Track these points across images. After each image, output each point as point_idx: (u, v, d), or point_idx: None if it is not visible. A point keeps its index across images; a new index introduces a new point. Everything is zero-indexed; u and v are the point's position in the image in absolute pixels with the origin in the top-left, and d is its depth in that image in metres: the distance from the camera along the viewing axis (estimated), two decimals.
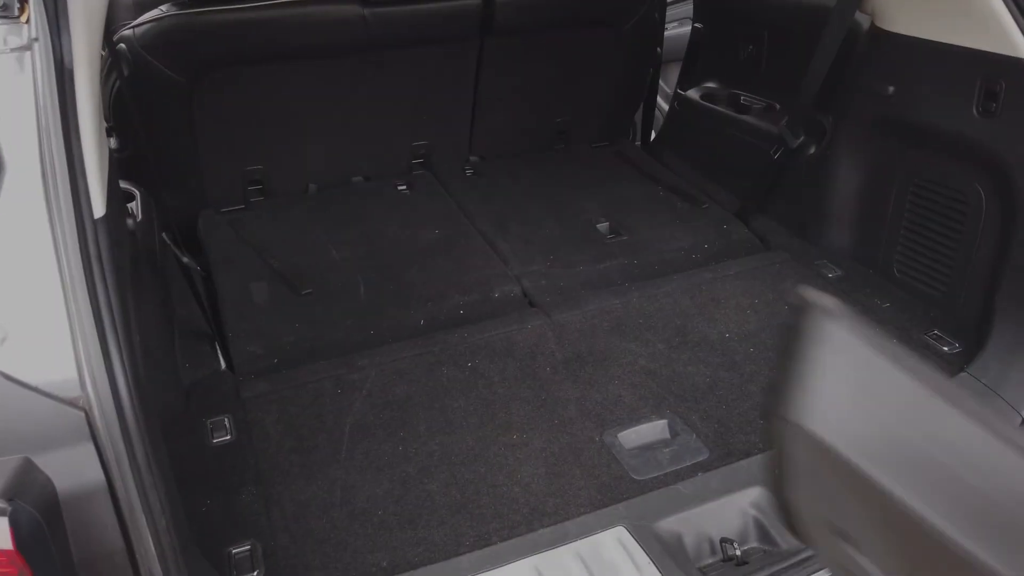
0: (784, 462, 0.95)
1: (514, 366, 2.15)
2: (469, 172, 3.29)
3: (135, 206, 2.10)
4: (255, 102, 2.84)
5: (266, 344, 2.24)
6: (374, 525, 1.70)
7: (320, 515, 1.73)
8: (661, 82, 3.76)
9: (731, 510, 1.72)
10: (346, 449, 1.89)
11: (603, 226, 2.87)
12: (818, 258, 2.62)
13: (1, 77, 1.33)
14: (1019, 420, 1.97)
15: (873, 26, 2.42)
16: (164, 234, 2.35)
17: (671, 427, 1.97)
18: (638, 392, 2.07)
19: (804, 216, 2.74)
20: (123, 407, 1.20)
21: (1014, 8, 1.97)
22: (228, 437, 1.92)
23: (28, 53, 1.33)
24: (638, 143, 3.73)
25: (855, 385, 0.85)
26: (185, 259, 2.41)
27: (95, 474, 1.18)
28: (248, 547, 1.64)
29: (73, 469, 1.17)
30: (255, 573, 1.60)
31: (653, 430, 1.97)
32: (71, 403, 1.18)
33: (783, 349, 0.90)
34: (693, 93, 3.34)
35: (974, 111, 2.13)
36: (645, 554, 1.60)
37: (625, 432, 1.95)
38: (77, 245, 1.21)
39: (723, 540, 1.66)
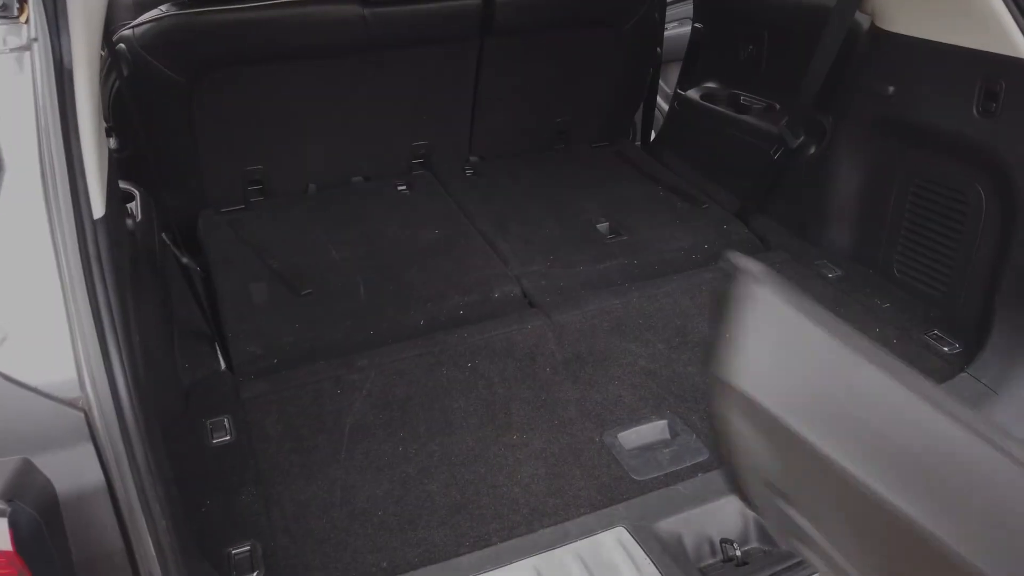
0: (722, 423, 0.99)
1: (514, 366, 2.15)
2: (469, 172, 3.29)
3: (135, 206, 2.10)
4: (255, 102, 2.84)
5: (266, 344, 2.23)
6: (374, 525, 1.70)
7: (320, 515, 1.73)
8: (661, 82, 3.76)
9: (731, 511, 1.72)
10: (346, 449, 1.89)
11: (603, 226, 2.87)
12: (818, 258, 2.61)
13: (0, 77, 1.33)
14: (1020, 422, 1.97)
15: (873, 26, 2.42)
16: (164, 234, 2.34)
17: (671, 427, 1.97)
18: (638, 392, 2.07)
19: (804, 216, 2.74)
20: (123, 408, 1.20)
21: (1014, 8, 1.97)
22: (228, 437, 1.92)
23: (27, 53, 1.33)
24: (638, 143, 3.73)
25: (780, 345, 0.89)
26: (185, 259, 2.41)
27: (95, 475, 1.18)
28: (248, 547, 1.64)
29: (73, 470, 1.17)
30: (255, 574, 1.59)
31: (653, 430, 1.96)
32: (70, 404, 1.18)
33: (716, 313, 0.93)
34: (693, 93, 3.34)
35: (974, 111, 2.13)
36: (645, 555, 1.60)
37: (625, 433, 1.95)
38: (76, 245, 1.21)
39: (723, 541, 1.66)
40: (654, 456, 1.87)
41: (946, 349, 2.18)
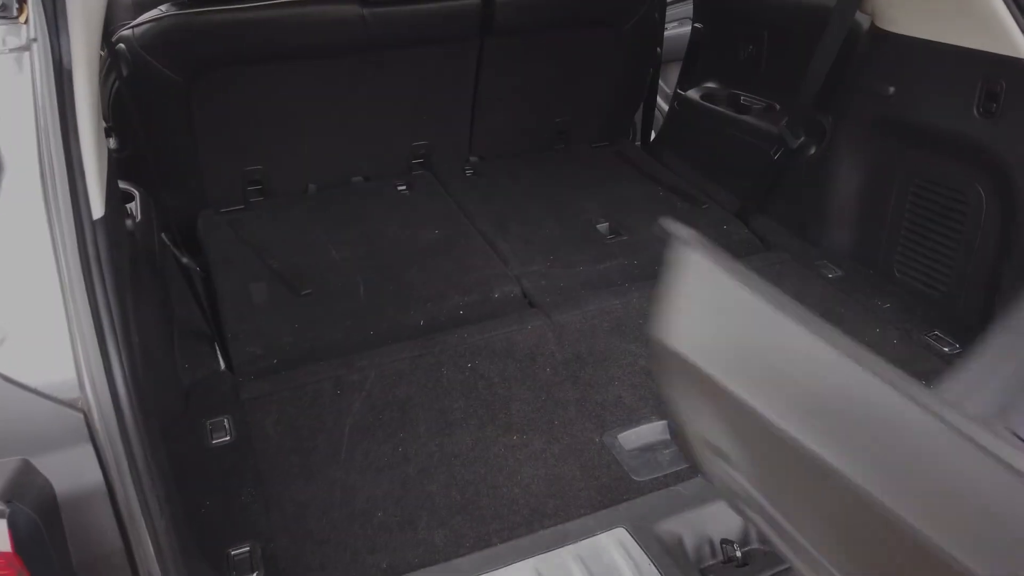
0: (666, 386, 1.01)
1: (514, 367, 2.15)
2: (469, 172, 3.28)
3: (134, 206, 2.10)
4: (255, 102, 2.84)
5: (265, 345, 2.23)
6: (374, 526, 1.70)
7: (320, 516, 1.73)
8: (661, 82, 3.76)
9: (732, 511, 1.71)
10: (346, 450, 1.89)
11: (603, 226, 2.87)
12: (818, 258, 2.61)
13: (0, 77, 1.33)
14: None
15: (873, 26, 2.41)
16: (163, 234, 2.34)
17: (671, 428, 1.97)
18: (638, 393, 2.07)
19: (804, 216, 2.74)
20: (122, 408, 1.20)
21: (1014, 8, 1.97)
22: (227, 438, 1.92)
23: (27, 53, 1.33)
24: (638, 143, 3.72)
25: (711, 306, 0.91)
26: (184, 259, 2.41)
27: (94, 476, 1.18)
28: (247, 548, 1.64)
29: (72, 471, 1.17)
30: (254, 574, 1.59)
31: (653, 431, 1.96)
32: (70, 404, 1.18)
33: (656, 279, 0.96)
34: (693, 93, 3.34)
35: (974, 111, 2.13)
36: (645, 555, 1.60)
37: (625, 433, 1.95)
38: (76, 246, 1.21)
39: (724, 541, 1.66)
40: (654, 457, 1.87)
41: (946, 349, 2.18)
